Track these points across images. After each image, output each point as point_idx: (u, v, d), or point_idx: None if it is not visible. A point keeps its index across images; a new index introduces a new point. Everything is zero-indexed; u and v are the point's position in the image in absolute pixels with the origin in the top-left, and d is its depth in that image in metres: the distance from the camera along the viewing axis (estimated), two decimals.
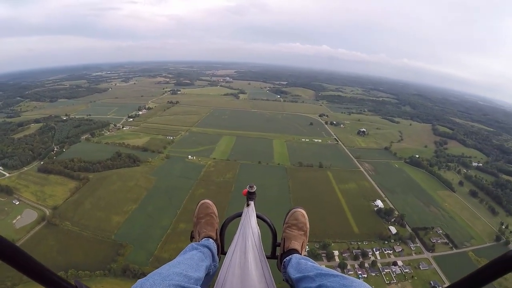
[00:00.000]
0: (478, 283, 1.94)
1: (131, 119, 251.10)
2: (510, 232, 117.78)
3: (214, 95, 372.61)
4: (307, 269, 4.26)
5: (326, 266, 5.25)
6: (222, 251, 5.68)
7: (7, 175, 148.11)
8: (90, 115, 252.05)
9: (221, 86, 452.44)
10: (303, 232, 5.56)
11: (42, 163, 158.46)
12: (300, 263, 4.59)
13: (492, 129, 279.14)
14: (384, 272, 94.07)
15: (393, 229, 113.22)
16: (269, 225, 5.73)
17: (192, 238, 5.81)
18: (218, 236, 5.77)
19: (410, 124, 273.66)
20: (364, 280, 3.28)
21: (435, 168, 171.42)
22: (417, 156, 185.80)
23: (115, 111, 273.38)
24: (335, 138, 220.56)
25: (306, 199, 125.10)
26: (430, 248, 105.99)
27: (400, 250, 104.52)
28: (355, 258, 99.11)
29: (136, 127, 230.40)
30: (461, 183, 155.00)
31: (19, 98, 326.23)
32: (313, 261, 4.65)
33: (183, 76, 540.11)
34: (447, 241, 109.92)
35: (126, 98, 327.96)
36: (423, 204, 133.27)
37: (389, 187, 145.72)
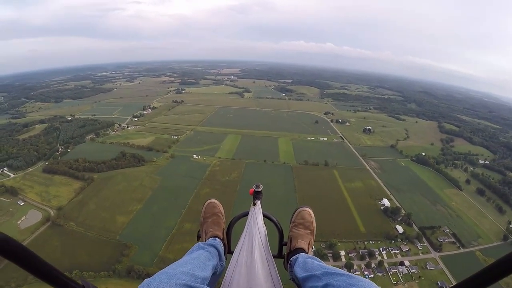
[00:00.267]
0: (484, 283, 1.91)
1: (136, 119, 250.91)
2: None
3: (219, 94, 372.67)
4: (313, 268, 4.21)
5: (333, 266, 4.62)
6: (228, 251, 5.65)
7: (12, 176, 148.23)
8: (95, 115, 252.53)
9: (226, 84, 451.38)
10: (309, 231, 5.54)
11: (47, 163, 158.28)
12: (307, 262, 4.52)
13: (498, 126, 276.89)
14: (391, 272, 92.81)
15: (400, 229, 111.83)
16: (276, 224, 5.71)
17: (198, 238, 5.79)
18: (225, 236, 5.77)
19: (416, 122, 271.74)
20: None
21: (441, 166, 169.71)
22: (423, 154, 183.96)
23: (120, 111, 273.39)
24: (340, 136, 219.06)
25: (312, 198, 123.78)
26: (437, 247, 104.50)
27: (407, 249, 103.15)
28: (362, 258, 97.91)
29: (141, 126, 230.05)
30: (468, 181, 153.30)
31: (24, 99, 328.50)
32: (320, 260, 4.57)
33: (187, 75, 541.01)
34: (454, 241, 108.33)
35: (131, 98, 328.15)
36: (430, 203, 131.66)
37: (396, 186, 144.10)
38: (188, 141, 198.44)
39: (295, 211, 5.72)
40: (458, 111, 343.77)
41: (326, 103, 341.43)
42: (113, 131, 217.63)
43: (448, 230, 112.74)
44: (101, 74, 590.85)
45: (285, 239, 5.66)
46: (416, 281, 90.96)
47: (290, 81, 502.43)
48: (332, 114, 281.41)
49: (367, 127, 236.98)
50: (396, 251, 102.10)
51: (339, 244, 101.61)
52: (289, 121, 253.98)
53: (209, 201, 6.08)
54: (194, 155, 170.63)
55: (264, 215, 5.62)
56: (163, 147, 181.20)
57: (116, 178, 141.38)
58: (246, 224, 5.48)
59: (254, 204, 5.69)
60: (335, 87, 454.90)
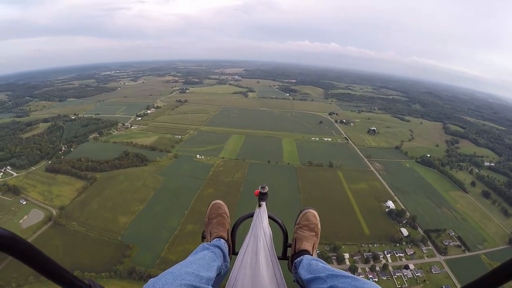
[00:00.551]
0: (488, 287, 1.91)
1: (140, 118, 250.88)
2: None
3: (222, 93, 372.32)
4: (318, 270, 4.26)
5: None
6: (233, 252, 5.63)
7: (15, 174, 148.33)
8: (98, 114, 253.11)
9: (230, 84, 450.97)
10: (314, 233, 5.53)
11: (49, 162, 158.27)
12: (311, 264, 4.55)
13: (503, 128, 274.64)
14: (396, 276, 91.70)
15: (404, 231, 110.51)
16: (281, 226, 5.67)
17: (203, 238, 5.81)
18: (230, 237, 5.75)
19: (421, 123, 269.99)
20: None
21: (446, 168, 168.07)
22: (428, 155, 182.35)
23: (124, 110, 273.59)
24: (345, 137, 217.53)
25: (316, 199, 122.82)
26: (443, 251, 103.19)
27: (411, 253, 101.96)
28: (366, 261, 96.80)
29: (145, 126, 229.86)
30: (473, 184, 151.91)
31: (28, 97, 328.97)
32: (324, 262, 4.61)
33: (191, 75, 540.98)
34: (460, 244, 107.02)
35: (135, 97, 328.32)
36: (435, 205, 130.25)
37: (400, 188, 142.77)
38: (191, 141, 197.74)
39: (300, 213, 5.71)
40: (463, 112, 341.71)
41: (330, 103, 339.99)
42: (117, 131, 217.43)
43: (453, 233, 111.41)
44: (105, 73, 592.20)
45: (289, 241, 5.65)
46: (421, 285, 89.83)
47: (294, 81, 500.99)
48: (337, 114, 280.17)
49: (372, 128, 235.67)
50: (401, 254, 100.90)
51: (343, 247, 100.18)
52: (293, 121, 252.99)
53: (214, 201, 6.07)
54: (198, 155, 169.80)
55: (269, 217, 5.58)
56: (166, 147, 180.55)
57: (119, 178, 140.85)
58: (251, 225, 5.44)
59: (260, 206, 5.62)
60: (339, 87, 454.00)
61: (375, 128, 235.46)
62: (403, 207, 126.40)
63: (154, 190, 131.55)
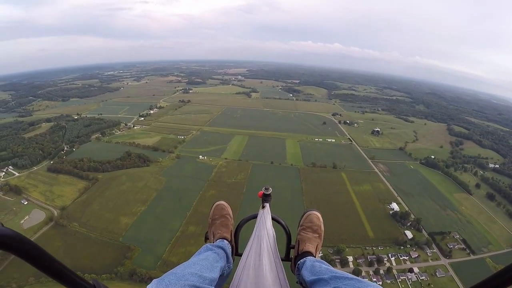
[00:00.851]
0: None
1: (142, 118, 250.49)
2: None
3: (226, 93, 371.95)
4: (321, 272, 4.24)
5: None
6: (236, 253, 5.65)
7: (17, 174, 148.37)
8: (101, 114, 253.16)
9: (233, 84, 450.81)
10: (317, 235, 5.50)
11: (51, 162, 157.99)
12: (315, 266, 4.52)
13: (508, 129, 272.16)
14: (400, 280, 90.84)
15: (409, 234, 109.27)
16: (284, 228, 5.69)
17: (206, 239, 5.79)
18: (233, 238, 5.74)
19: (425, 124, 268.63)
20: None
21: (451, 169, 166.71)
22: (432, 157, 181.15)
23: (127, 110, 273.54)
24: (349, 138, 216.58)
25: (319, 201, 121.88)
26: (447, 254, 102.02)
27: (416, 256, 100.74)
28: (370, 264, 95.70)
29: (147, 126, 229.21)
30: (478, 186, 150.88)
31: (31, 97, 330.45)
32: (328, 264, 4.55)
33: (195, 75, 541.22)
34: (464, 247, 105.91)
35: (138, 97, 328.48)
36: (439, 208, 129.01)
37: (405, 189, 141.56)
38: (194, 141, 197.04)
39: (304, 214, 5.65)
40: (467, 113, 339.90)
41: (334, 104, 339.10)
42: (119, 131, 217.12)
43: (458, 236, 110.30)
44: (109, 73, 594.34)
45: (292, 243, 5.59)
46: None
47: (297, 81, 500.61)
48: (340, 115, 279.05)
49: (376, 129, 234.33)
50: (405, 257, 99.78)
51: (347, 250, 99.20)
52: (296, 122, 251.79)
53: (217, 203, 5.98)
54: (200, 156, 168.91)
55: (272, 218, 5.53)
56: (169, 147, 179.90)
57: (121, 179, 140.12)
58: (255, 227, 5.36)
59: (263, 207, 5.55)
60: (343, 88, 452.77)
61: (379, 129, 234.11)
62: (407, 209, 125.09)
63: (156, 191, 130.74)
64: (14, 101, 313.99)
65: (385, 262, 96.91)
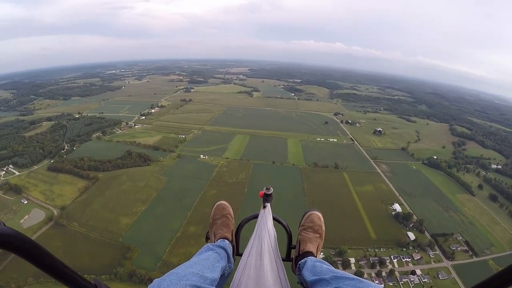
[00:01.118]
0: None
1: (144, 117, 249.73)
2: None
3: (227, 93, 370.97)
4: (322, 272, 4.27)
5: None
6: (237, 253, 5.66)
7: (17, 173, 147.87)
8: (102, 113, 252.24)
9: (234, 84, 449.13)
10: (318, 235, 5.53)
11: (52, 161, 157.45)
12: (316, 266, 4.54)
13: (510, 130, 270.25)
14: (402, 282, 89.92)
15: (411, 235, 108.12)
16: (285, 227, 5.71)
17: (207, 239, 5.81)
18: (234, 238, 5.76)
19: (427, 124, 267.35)
20: None
21: (453, 170, 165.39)
22: (435, 157, 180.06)
23: (128, 109, 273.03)
24: (350, 138, 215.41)
25: (321, 201, 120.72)
26: (450, 256, 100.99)
27: (418, 258, 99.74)
28: (372, 266, 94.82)
29: (148, 125, 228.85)
30: (480, 187, 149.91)
31: (33, 96, 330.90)
32: (329, 264, 4.59)
33: (196, 74, 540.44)
34: (467, 249, 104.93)
35: (139, 96, 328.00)
36: (442, 209, 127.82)
37: (407, 190, 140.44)
38: (195, 140, 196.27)
39: (305, 214, 5.67)
40: (469, 113, 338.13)
41: (335, 104, 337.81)
42: (120, 130, 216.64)
43: (460, 238, 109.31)
44: (110, 72, 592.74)
45: (293, 243, 5.63)
46: None
47: (299, 80, 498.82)
48: (342, 114, 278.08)
49: (378, 129, 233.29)
50: (407, 259, 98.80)
51: (349, 251, 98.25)
52: (298, 122, 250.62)
53: (218, 202, 6.00)
54: (201, 155, 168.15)
55: (273, 218, 5.55)
56: (170, 147, 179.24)
57: (121, 178, 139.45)
58: (256, 227, 5.37)
59: (264, 207, 5.56)
60: (344, 88, 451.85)
61: (381, 129, 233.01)
62: (410, 210, 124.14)
63: (156, 191, 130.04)
64: (16, 99, 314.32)
65: (387, 264, 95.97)
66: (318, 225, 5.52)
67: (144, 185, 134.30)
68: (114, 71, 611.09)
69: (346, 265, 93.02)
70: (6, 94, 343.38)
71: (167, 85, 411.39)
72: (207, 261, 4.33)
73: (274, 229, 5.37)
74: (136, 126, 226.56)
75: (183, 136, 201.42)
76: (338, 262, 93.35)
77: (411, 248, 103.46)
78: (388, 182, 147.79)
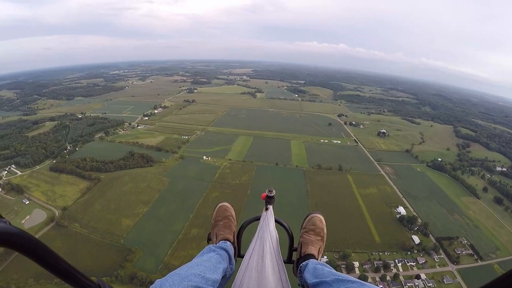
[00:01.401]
0: None
1: (147, 118, 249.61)
2: None
3: (231, 94, 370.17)
4: (323, 275, 4.27)
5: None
6: (238, 254, 5.67)
7: (19, 173, 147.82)
8: (105, 113, 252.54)
9: (238, 85, 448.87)
10: (320, 238, 5.55)
11: (54, 162, 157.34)
12: (317, 269, 4.56)
13: None
14: (407, 286, 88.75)
15: (416, 239, 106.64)
16: (287, 230, 5.68)
17: (209, 240, 5.86)
18: (235, 239, 5.78)
19: (431, 126, 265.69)
20: None
21: (458, 172, 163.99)
22: (439, 159, 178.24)
23: (131, 109, 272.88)
24: (354, 139, 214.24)
25: (325, 204, 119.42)
26: (455, 260, 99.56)
27: (423, 262, 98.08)
28: (376, 270, 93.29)
29: (151, 126, 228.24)
30: (485, 189, 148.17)
31: (36, 96, 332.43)
32: (330, 266, 4.60)
33: (200, 75, 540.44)
34: (472, 253, 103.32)
35: (142, 97, 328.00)
36: (446, 212, 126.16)
37: (412, 193, 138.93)
38: (198, 141, 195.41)
39: (306, 217, 5.70)
40: (474, 115, 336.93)
41: (339, 105, 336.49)
42: (123, 130, 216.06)
43: (465, 241, 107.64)
44: (114, 72, 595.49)
45: (295, 245, 5.62)
46: None
47: (303, 82, 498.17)
48: (346, 116, 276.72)
49: (382, 130, 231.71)
50: (412, 263, 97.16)
51: (353, 255, 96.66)
52: (302, 123, 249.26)
53: (220, 204, 6.02)
54: (204, 157, 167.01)
55: (275, 220, 5.52)
56: (172, 148, 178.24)
57: (123, 179, 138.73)
58: (258, 229, 5.41)
59: (266, 209, 5.56)
60: (348, 89, 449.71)
61: (385, 131, 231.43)
62: (414, 213, 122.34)
63: (158, 192, 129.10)
64: (19, 99, 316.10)
65: (391, 268, 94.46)
66: (320, 228, 5.53)
67: (146, 186, 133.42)
68: (117, 71, 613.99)
69: (350, 269, 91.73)
70: (10, 93, 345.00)
71: (170, 86, 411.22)
72: (209, 262, 4.34)
73: (276, 231, 5.33)
74: (139, 127, 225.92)
75: (186, 137, 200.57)
76: (342, 265, 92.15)
77: (415, 251, 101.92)
78: (392, 185, 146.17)
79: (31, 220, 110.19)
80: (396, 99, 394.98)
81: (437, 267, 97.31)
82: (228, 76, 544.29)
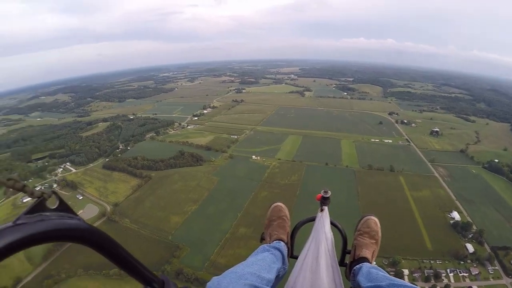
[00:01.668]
0: None
1: (196, 118, 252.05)
2: None
3: (279, 93, 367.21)
4: (378, 279, 4.21)
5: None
6: (291, 255, 5.62)
7: (74, 170, 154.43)
8: (156, 114, 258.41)
9: (286, 84, 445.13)
10: (374, 241, 5.43)
11: (107, 160, 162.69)
12: (371, 272, 4.49)
13: None
14: None
15: (470, 247, 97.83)
16: (340, 232, 5.61)
17: (262, 240, 5.81)
18: (289, 239, 5.72)
19: (487, 124, 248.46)
20: None
21: None
22: (496, 160, 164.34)
23: (181, 110, 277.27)
24: (406, 139, 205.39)
25: (375, 206, 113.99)
26: (510, 272, 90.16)
27: (476, 273, 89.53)
28: (427, 279, 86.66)
29: (201, 125, 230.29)
30: None
31: (89, 99, 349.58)
32: (384, 271, 4.49)
33: (247, 75, 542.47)
34: None
35: (191, 97, 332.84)
36: (503, 219, 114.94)
37: (466, 197, 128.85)
38: (247, 141, 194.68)
39: (361, 219, 5.61)
40: None
41: (389, 103, 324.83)
42: (173, 130, 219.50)
43: None
44: (164, 74, 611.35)
45: (348, 247, 5.54)
46: None
47: (351, 79, 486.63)
48: (397, 114, 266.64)
49: (435, 129, 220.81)
50: (464, 274, 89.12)
51: (402, 262, 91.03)
52: (352, 122, 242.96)
53: (275, 204, 6.02)
54: (253, 156, 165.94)
55: (330, 222, 5.43)
56: (222, 147, 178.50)
57: (173, 177, 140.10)
58: (313, 230, 5.29)
59: (322, 210, 5.43)
60: (398, 86, 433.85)
61: (438, 129, 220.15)
62: (469, 219, 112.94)
63: (208, 191, 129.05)
64: (74, 102, 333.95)
65: (442, 277, 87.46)
66: (375, 231, 5.40)
67: (195, 184, 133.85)
68: (167, 73, 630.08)
69: (399, 277, 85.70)
70: (65, 97, 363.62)
71: (218, 86, 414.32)
72: (263, 261, 4.35)
73: (331, 233, 5.19)
74: (189, 127, 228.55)
75: (235, 137, 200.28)
76: (391, 273, 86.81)
77: (469, 261, 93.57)
78: (446, 187, 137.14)
79: (84, 214, 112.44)
80: (449, 95, 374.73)
81: (491, 279, 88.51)
82: (275, 76, 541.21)
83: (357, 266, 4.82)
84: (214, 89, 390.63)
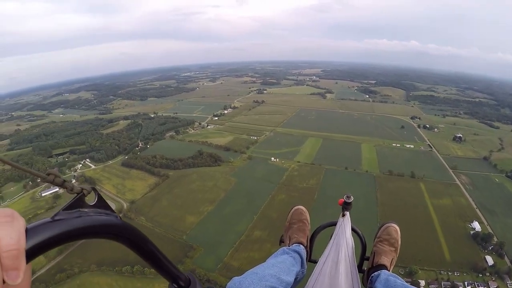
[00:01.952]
0: None
1: (216, 118, 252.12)
2: None
3: (300, 94, 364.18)
4: (396, 287, 4.33)
5: None
6: (309, 259, 5.62)
7: (93, 167, 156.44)
8: (176, 113, 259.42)
9: (307, 85, 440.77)
10: (394, 249, 5.40)
11: (126, 157, 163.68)
12: (389, 280, 4.55)
13: None
14: None
15: (490, 260, 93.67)
16: (360, 238, 5.61)
17: (281, 242, 5.86)
18: (308, 243, 5.73)
19: (511, 130, 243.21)
20: None
21: None
22: None
23: (201, 109, 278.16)
24: (428, 144, 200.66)
25: (395, 213, 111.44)
26: None
27: (495, 287, 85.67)
28: None
29: (221, 126, 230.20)
30: None
31: (112, 96, 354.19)
32: (402, 279, 4.57)
33: (269, 76, 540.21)
34: None
35: (213, 97, 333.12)
36: None
37: (488, 206, 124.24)
38: (267, 142, 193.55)
39: (382, 226, 5.57)
40: None
41: (412, 106, 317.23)
42: (193, 129, 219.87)
43: None
44: (185, 74, 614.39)
45: (367, 254, 5.54)
46: None
47: (373, 82, 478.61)
48: (419, 118, 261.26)
49: (458, 135, 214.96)
50: (482, 287, 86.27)
51: (419, 272, 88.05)
52: (373, 125, 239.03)
53: (296, 207, 6.00)
54: (272, 158, 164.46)
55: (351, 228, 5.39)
56: (241, 148, 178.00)
57: (191, 177, 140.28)
58: (334, 234, 5.27)
59: (343, 215, 5.42)
60: (421, 89, 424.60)
61: (461, 135, 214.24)
62: (490, 230, 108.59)
63: (225, 192, 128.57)
64: (96, 100, 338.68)
65: None
66: (395, 239, 5.34)
67: (213, 185, 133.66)
68: (188, 73, 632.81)
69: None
70: (88, 95, 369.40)
71: (240, 87, 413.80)
72: (283, 264, 4.36)
73: (352, 238, 5.15)
74: (209, 127, 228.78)
75: (255, 138, 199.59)
76: (407, 283, 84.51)
77: (487, 274, 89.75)
78: (468, 196, 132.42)
79: None
80: (473, 100, 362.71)
81: None
82: (297, 77, 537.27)
83: (375, 273, 4.79)
84: (235, 89, 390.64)
